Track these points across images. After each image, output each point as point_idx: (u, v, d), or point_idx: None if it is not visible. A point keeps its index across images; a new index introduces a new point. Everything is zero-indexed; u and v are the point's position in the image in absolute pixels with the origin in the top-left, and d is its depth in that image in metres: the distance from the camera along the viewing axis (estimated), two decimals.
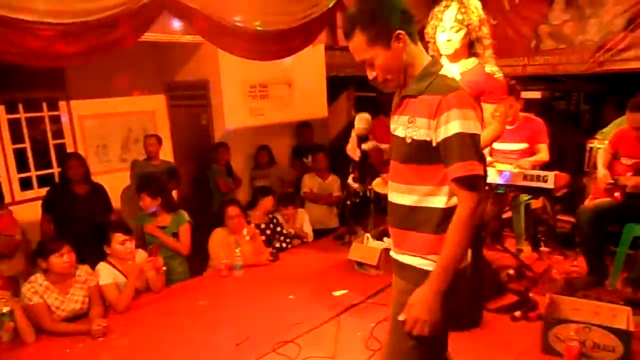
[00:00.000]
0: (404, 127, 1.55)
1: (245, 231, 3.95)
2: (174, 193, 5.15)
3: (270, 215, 4.37)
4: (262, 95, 5.42)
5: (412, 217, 1.58)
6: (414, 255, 1.59)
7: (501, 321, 3.04)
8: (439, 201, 1.54)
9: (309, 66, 5.65)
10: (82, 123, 5.08)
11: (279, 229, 4.40)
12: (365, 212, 4.49)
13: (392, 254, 1.71)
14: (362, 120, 1.77)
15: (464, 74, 2.64)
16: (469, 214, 1.47)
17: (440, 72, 1.55)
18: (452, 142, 1.45)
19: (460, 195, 1.48)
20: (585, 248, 3.52)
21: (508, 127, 3.60)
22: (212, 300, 3.44)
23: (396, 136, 1.61)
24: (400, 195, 1.60)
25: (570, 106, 6.06)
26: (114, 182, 4.67)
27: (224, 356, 2.73)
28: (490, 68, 2.64)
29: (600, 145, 3.76)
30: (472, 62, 2.66)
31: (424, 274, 1.55)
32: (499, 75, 2.65)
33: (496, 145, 3.92)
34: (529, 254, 4.09)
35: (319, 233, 4.78)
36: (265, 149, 5.24)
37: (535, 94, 5.21)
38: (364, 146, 1.76)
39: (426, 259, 1.57)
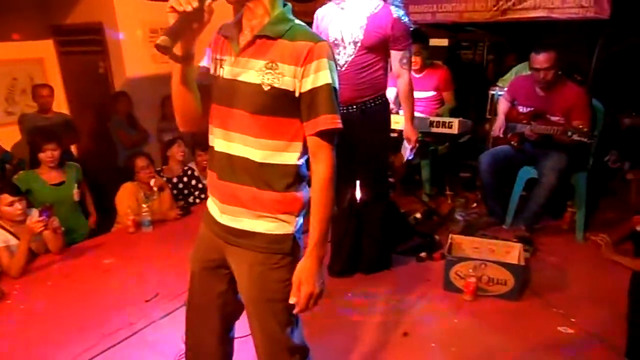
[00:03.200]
0: (260, 72, 1.34)
1: (152, 182, 3.77)
2: (73, 148, 4.78)
3: (185, 167, 4.19)
4: None
5: (260, 174, 1.40)
6: (261, 217, 1.43)
7: (408, 262, 3.19)
8: (290, 157, 1.41)
9: (226, 7, 5.30)
10: None
11: (194, 182, 4.24)
12: None
13: (225, 218, 1.48)
14: None
15: (371, 17, 2.58)
16: (332, 170, 1.39)
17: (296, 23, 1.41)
18: (322, 92, 1.34)
19: (322, 150, 1.38)
20: (485, 191, 3.74)
21: (416, 76, 3.66)
22: (119, 258, 3.29)
23: (242, 82, 1.37)
24: (245, 149, 1.40)
25: (476, 56, 6.29)
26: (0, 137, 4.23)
27: (133, 314, 2.63)
28: (397, 12, 2.59)
29: (500, 93, 3.93)
30: (376, 3, 2.59)
31: (275, 239, 1.44)
32: (405, 19, 2.62)
33: None
34: (435, 198, 4.30)
35: None
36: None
37: (443, 42, 5.31)
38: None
39: (277, 219, 1.43)
